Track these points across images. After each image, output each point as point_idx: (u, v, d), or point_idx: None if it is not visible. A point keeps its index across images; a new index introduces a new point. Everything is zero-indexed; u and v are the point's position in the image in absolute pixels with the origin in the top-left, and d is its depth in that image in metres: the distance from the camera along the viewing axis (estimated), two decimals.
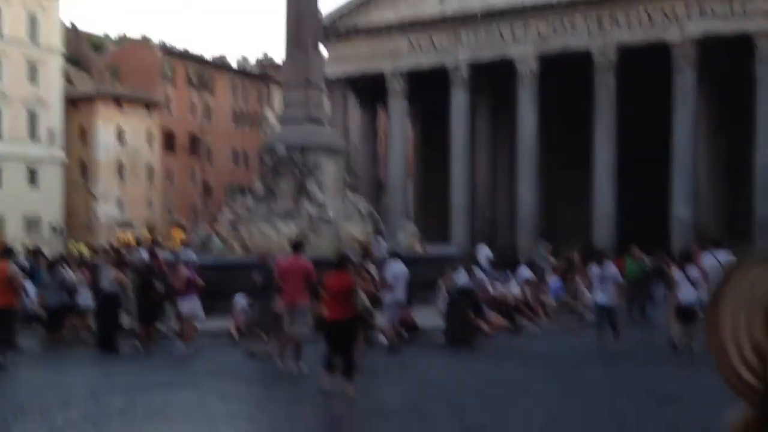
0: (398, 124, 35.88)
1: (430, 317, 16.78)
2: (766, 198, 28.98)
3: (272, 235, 18.12)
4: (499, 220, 36.47)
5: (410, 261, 16.68)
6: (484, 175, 36.87)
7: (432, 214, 40.52)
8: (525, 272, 20.79)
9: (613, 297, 13.77)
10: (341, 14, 37.06)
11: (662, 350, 13.06)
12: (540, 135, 33.83)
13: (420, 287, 18.89)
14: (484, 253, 22.57)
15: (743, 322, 1.09)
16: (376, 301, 13.66)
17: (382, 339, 14.46)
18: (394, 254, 15.17)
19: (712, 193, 33.00)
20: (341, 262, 10.20)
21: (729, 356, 1.09)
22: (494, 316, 16.92)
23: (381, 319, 14.33)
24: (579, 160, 37.82)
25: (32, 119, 48.06)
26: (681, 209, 30.35)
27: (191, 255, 15.88)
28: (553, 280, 20.74)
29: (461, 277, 18.87)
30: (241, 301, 14.84)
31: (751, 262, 1.08)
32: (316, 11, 21.61)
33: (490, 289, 17.48)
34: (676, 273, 13.93)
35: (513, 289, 18.92)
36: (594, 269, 14.32)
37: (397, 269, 14.27)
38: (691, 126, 30.64)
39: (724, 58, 31.32)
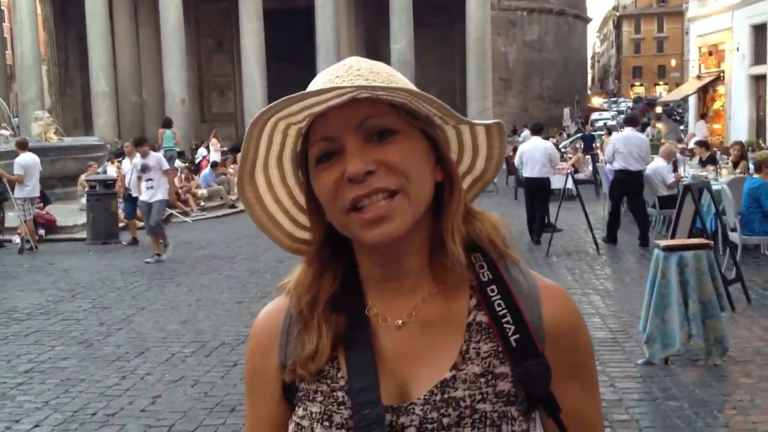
0: None
1: (71, 213, 15.73)
2: None
3: None
4: (148, 107, 34.83)
5: (44, 152, 15.35)
6: (127, 58, 34.57)
7: (71, 101, 37.60)
8: (176, 163, 20.30)
9: None
10: None
11: None
12: (187, 15, 32.50)
13: (59, 181, 17.59)
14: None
15: (278, 183, 1.11)
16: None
17: (16, 238, 13.22)
18: (22, 144, 13.66)
19: None
20: None
21: (280, 223, 1.13)
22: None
23: (13, 216, 13.05)
24: (228, 47, 37.43)
25: None
26: None
27: None
28: (204, 170, 20.55)
29: (108, 169, 17.90)
30: None
31: (256, 122, 1.02)
32: None
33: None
34: None
35: None
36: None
37: (26, 161, 12.95)
38: (333, 15, 31.58)
39: None
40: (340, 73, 1.02)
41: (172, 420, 5.25)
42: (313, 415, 1.06)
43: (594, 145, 26.15)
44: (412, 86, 1.04)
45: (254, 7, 31.50)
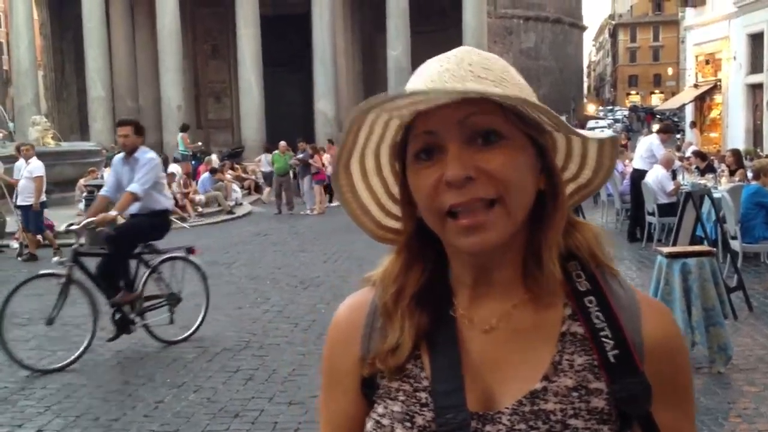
0: (21, 4, 31.86)
1: (70, 218, 15.65)
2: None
3: None
4: (144, 112, 34.80)
5: (42, 157, 15.30)
6: (124, 63, 34.53)
7: (68, 106, 37.55)
8: (172, 168, 20.27)
9: None
10: None
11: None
12: (183, 21, 32.46)
13: (57, 185, 17.54)
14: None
15: (373, 172, 1.09)
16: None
17: (14, 244, 13.19)
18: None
19: (351, 87, 34.77)
20: None
21: (371, 212, 1.11)
22: None
23: (12, 222, 13.01)
24: (224, 52, 37.42)
25: None
26: (322, 103, 31.51)
27: None
28: (202, 176, 20.52)
29: (105, 174, 17.84)
30: None
31: (359, 113, 1.00)
32: None
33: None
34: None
35: None
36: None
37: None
38: (329, 21, 31.60)
39: None
40: (451, 65, 0.98)
41: (175, 425, 5.23)
42: (395, 414, 1.02)
43: None
44: (524, 88, 1.01)
45: (250, 12, 31.49)
